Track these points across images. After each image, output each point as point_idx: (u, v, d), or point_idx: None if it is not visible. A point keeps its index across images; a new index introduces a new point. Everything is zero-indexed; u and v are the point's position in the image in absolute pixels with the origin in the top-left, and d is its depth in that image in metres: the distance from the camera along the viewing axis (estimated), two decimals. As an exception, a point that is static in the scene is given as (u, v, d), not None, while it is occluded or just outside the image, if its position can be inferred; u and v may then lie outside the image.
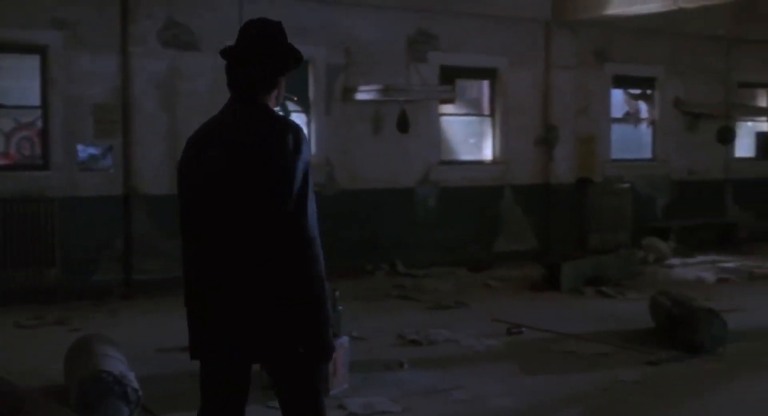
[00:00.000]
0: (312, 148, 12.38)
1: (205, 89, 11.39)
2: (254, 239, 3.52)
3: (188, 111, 11.33)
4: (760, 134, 17.17)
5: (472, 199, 13.63)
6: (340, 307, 6.80)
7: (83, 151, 10.91)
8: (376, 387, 6.76)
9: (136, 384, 5.73)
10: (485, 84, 14.01)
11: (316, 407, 3.66)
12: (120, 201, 11.07)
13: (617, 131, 15.34)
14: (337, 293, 6.78)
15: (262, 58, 3.69)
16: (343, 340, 6.75)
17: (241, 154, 3.53)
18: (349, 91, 12.38)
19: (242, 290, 3.54)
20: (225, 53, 3.79)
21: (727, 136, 15.56)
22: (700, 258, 14.24)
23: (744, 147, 16.80)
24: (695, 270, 13.08)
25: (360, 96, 12.35)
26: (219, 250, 3.57)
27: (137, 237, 11.10)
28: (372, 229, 12.74)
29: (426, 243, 13.13)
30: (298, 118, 12.41)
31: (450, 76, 13.35)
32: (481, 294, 11.11)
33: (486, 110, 14.09)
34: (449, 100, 13.40)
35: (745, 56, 16.26)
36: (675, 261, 13.81)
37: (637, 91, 15.62)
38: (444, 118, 13.63)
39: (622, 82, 15.28)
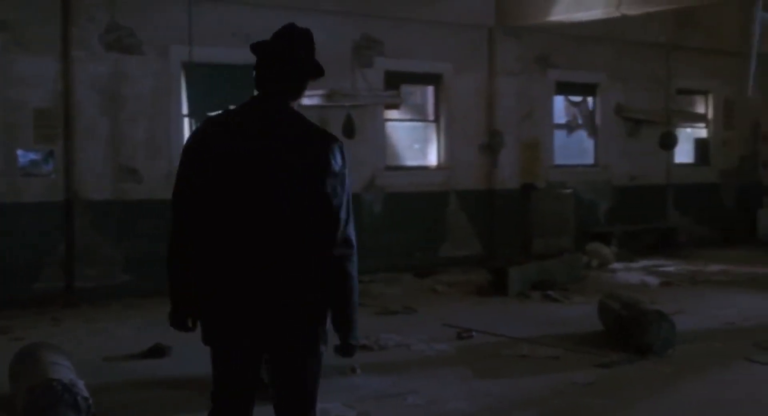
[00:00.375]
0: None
1: (149, 93, 11.27)
2: (304, 236, 3.64)
3: (132, 115, 11.20)
4: (698, 140, 17.45)
5: (418, 204, 13.63)
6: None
7: (24, 156, 10.66)
8: (329, 392, 6.63)
9: (86, 393, 5.59)
10: (430, 89, 14.03)
11: (313, 402, 3.86)
12: (62, 207, 10.85)
13: (560, 137, 15.47)
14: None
15: (302, 74, 3.82)
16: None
17: (297, 153, 3.65)
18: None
19: (282, 284, 3.64)
20: (258, 50, 3.84)
21: (669, 142, 15.78)
22: (642, 262, 14.43)
23: (683, 153, 17.06)
24: (638, 274, 13.23)
25: (306, 101, 12.26)
26: (258, 242, 3.63)
27: (79, 244, 10.89)
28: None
29: (372, 249, 13.03)
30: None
31: (395, 81, 13.35)
32: (428, 299, 11.09)
33: (431, 116, 14.10)
34: (395, 106, 13.40)
35: (684, 63, 16.54)
36: (618, 265, 13.96)
37: (579, 98, 15.75)
38: (389, 124, 13.62)
39: (564, 88, 15.41)
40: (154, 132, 11.36)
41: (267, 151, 3.65)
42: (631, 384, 7.00)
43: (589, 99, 15.83)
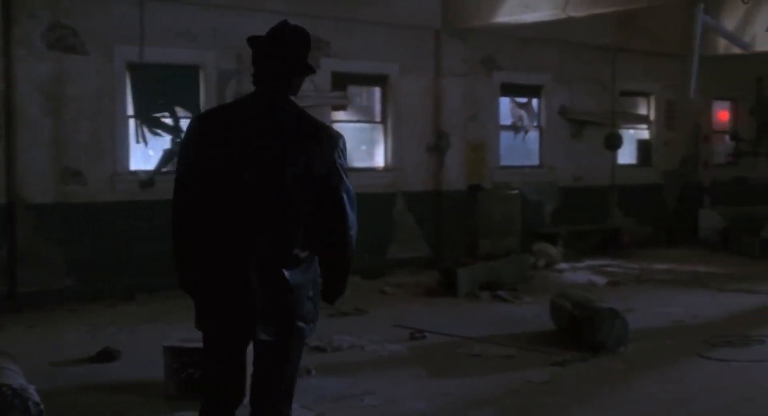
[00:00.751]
0: (203, 154, 12.12)
1: (93, 93, 11.06)
2: (301, 228, 3.83)
3: (75, 116, 10.98)
4: (641, 142, 17.64)
5: (365, 206, 13.27)
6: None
7: (-37, 158, 10.40)
8: (286, 394, 6.60)
9: (37, 398, 5.43)
10: (377, 91, 13.99)
11: (293, 382, 4.06)
12: (3, 210, 10.57)
13: (506, 138, 15.53)
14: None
15: (298, 71, 3.97)
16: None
17: (299, 143, 3.81)
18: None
19: (276, 278, 3.81)
20: (253, 45, 4.00)
21: (614, 142, 15.92)
22: (587, 262, 14.55)
23: (626, 154, 17.23)
24: (585, 274, 13.33)
25: (251, 102, 12.13)
26: (253, 229, 3.79)
27: (22, 248, 10.62)
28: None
29: (320, 251, 12.97)
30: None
31: (342, 82, 13.28)
32: (378, 301, 11.04)
33: (377, 117, 14.06)
34: (342, 107, 13.33)
35: (627, 65, 16.70)
36: (564, 265, 14.05)
37: (524, 99, 15.83)
38: (336, 125, 13.52)
39: (510, 89, 15.47)
40: (98, 133, 11.14)
41: (265, 146, 3.80)
42: (585, 382, 7.03)
43: (534, 100, 15.92)
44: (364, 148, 14.13)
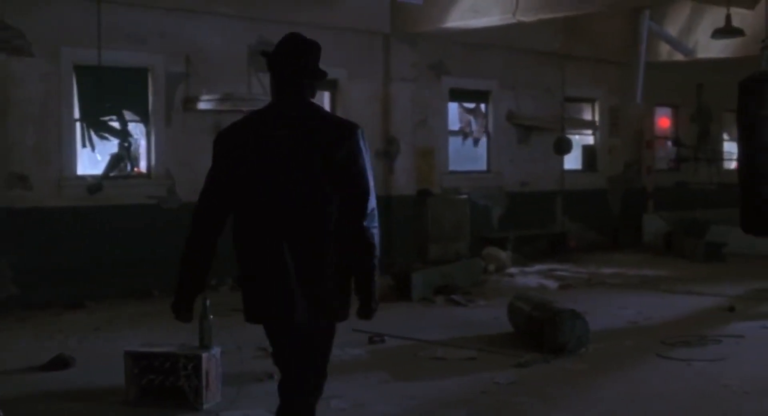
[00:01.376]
0: (152, 160, 11.95)
1: (39, 97, 10.82)
2: (326, 217, 4.00)
3: (21, 120, 10.72)
4: (585, 147, 17.80)
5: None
6: (211, 317, 6.50)
7: None
8: (251, 399, 6.50)
9: (-3, 405, 5.25)
10: (325, 95, 13.89)
11: (324, 375, 4.30)
12: (-54, 216, 10.29)
13: (454, 143, 15.55)
14: (208, 302, 6.48)
15: (311, 77, 4.20)
16: (215, 351, 6.45)
17: (324, 145, 3.99)
18: (190, 101, 11.99)
19: (308, 264, 4.02)
20: (269, 56, 4.20)
21: (564, 147, 16.04)
22: (536, 266, 14.61)
23: (572, 159, 17.36)
24: (535, 278, 13.38)
25: (202, 105, 11.98)
26: (284, 225, 4.02)
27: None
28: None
29: (270, 257, 12.84)
30: (136, 129, 11.95)
31: (291, 86, 13.15)
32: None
33: (327, 122, 13.95)
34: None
35: (573, 72, 16.85)
36: (514, 270, 14.09)
37: (472, 104, 15.87)
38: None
39: (458, 95, 15.50)
40: (44, 137, 10.89)
41: (287, 143, 4.00)
42: (551, 382, 7.01)
43: (482, 106, 15.97)
44: (313, 153, 14.00)
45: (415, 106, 14.57)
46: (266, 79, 13.51)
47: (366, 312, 4.14)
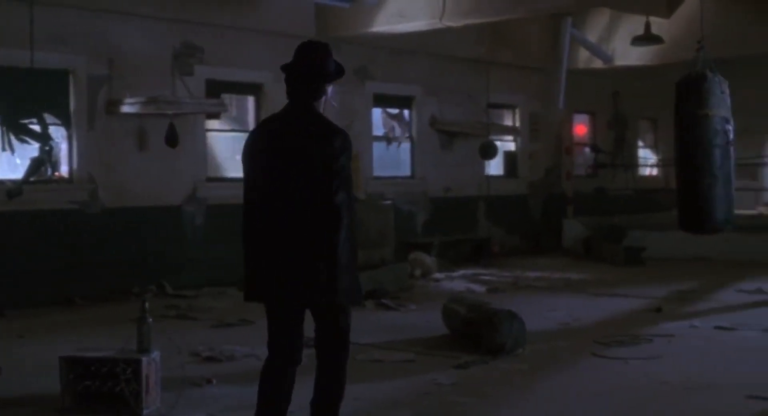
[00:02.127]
0: (74, 164, 11.66)
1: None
2: (313, 210, 4.54)
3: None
4: (507, 153, 17.95)
5: (240, 216, 13.23)
6: (150, 319, 6.32)
7: None
8: (192, 404, 6.33)
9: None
10: (251, 99, 13.74)
11: (343, 341, 4.89)
12: None
13: (378, 149, 15.54)
14: (147, 304, 6.30)
15: (313, 75, 4.69)
16: (155, 355, 6.27)
17: (312, 148, 4.58)
18: (113, 104, 11.73)
19: (296, 249, 4.57)
20: (285, 69, 4.76)
21: (490, 152, 16.15)
22: (461, 271, 14.66)
23: (493, 165, 17.49)
24: (461, 282, 13.42)
25: (125, 109, 11.73)
26: (285, 218, 4.60)
27: None
28: (138, 249, 12.10)
29: (195, 263, 12.64)
30: (58, 132, 11.63)
31: (216, 90, 12.99)
32: (261, 311, 10.65)
33: (251, 126, 13.80)
34: (216, 115, 13.01)
35: (494, 78, 16.98)
36: (439, 275, 14.10)
37: (396, 110, 15.88)
38: (210, 134, 13.23)
39: (382, 100, 15.49)
40: (-38, 140, 10.53)
41: (289, 145, 4.62)
42: (493, 383, 7.01)
43: (405, 111, 15.99)
44: (238, 158, 13.77)
45: (341, 110, 14.49)
46: (191, 81, 13.33)
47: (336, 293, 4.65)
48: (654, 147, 22.12)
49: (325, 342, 4.85)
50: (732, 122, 7.36)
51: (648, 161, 21.94)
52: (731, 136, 7.34)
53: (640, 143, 21.60)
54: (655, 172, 22.15)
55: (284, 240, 4.59)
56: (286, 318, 4.77)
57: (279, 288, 4.64)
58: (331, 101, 4.90)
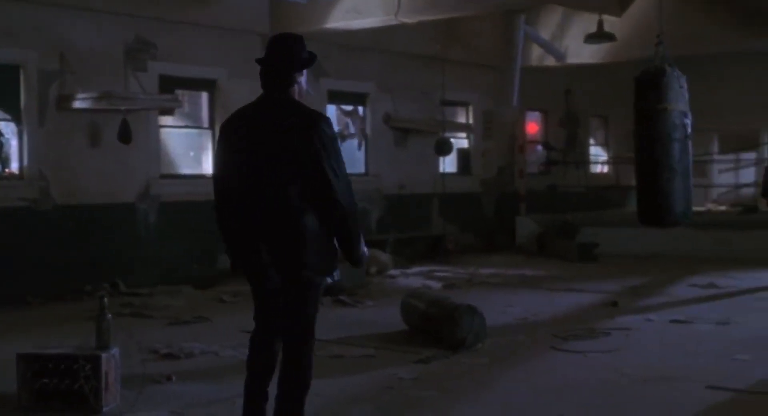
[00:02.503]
0: (24, 160, 11.47)
1: None
2: (295, 195, 4.67)
3: None
4: (460, 151, 17.98)
5: (194, 214, 13.12)
6: (109, 315, 6.23)
7: None
8: (153, 401, 6.25)
9: None
10: (204, 95, 13.62)
11: (309, 330, 4.95)
12: None
13: (333, 146, 15.46)
14: (106, 300, 6.20)
15: (281, 65, 4.85)
16: (115, 352, 6.17)
17: (291, 132, 4.70)
18: (65, 100, 11.55)
19: (282, 229, 4.72)
20: (258, 62, 4.91)
21: (444, 148, 16.17)
22: (416, 268, 14.68)
23: (448, 163, 17.50)
24: (417, 279, 13.43)
25: (77, 104, 11.56)
26: (264, 200, 4.73)
27: None
28: (91, 247, 11.94)
29: (148, 261, 12.51)
30: (7, 128, 11.44)
31: (169, 86, 12.85)
32: (218, 309, 10.70)
33: (205, 123, 13.69)
34: (170, 111, 12.85)
35: (448, 75, 16.98)
36: (395, 271, 14.10)
37: (350, 107, 15.85)
38: (163, 130, 13.09)
39: (336, 97, 15.44)
40: None
41: (264, 131, 4.76)
42: (456, 377, 7.01)
43: (360, 108, 15.96)
44: (192, 154, 13.72)
45: (295, 107, 14.42)
46: (143, 77, 13.18)
47: (353, 262, 4.91)
48: (605, 144, 22.33)
49: (290, 330, 4.93)
50: (690, 116, 7.46)
51: (599, 158, 22.13)
52: (689, 130, 7.44)
53: (592, 141, 21.78)
54: (606, 169, 22.36)
55: (263, 222, 4.75)
56: (267, 293, 4.91)
57: (259, 264, 4.81)
58: (308, 89, 5.06)
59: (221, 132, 4.99)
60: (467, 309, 8.05)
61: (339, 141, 4.91)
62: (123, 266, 12.17)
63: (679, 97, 7.33)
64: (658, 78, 7.38)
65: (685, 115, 7.37)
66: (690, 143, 7.43)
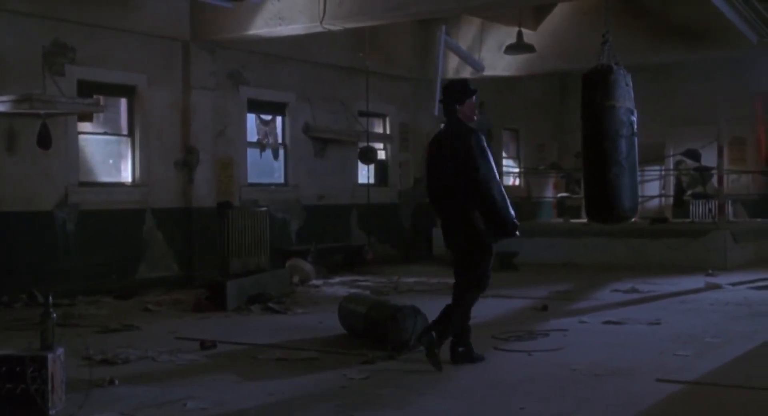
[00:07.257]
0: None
1: None
2: (462, 190, 7.17)
3: None
4: (378, 162, 17.95)
5: (113, 223, 12.85)
6: (54, 315, 5.99)
7: None
8: (100, 403, 6.02)
9: None
10: (123, 102, 13.31)
11: (477, 280, 7.56)
12: None
13: (252, 155, 15.32)
14: (51, 298, 5.97)
15: (446, 100, 7.40)
16: (60, 352, 5.92)
17: (455, 144, 7.23)
18: (-20, 103, 11.14)
19: (455, 212, 7.27)
20: (440, 101, 7.65)
21: (370, 156, 16.13)
22: (338, 278, 14.59)
23: (364, 174, 17.47)
24: (342, 288, 13.31)
25: (-6, 108, 11.16)
26: (445, 195, 7.30)
27: None
28: (7, 257, 11.53)
29: (67, 271, 12.14)
30: None
31: (88, 91, 12.51)
32: (145, 317, 10.41)
33: (124, 130, 13.38)
34: (89, 117, 12.49)
35: (366, 87, 16.98)
36: (317, 281, 13.98)
37: (270, 116, 15.69)
38: (82, 137, 12.73)
39: (256, 106, 15.28)
40: None
41: (443, 145, 7.33)
42: (407, 375, 6.96)
43: (278, 118, 15.83)
44: (111, 161, 13.37)
45: (215, 115, 14.25)
46: (62, 81, 12.82)
47: (505, 232, 7.26)
48: (516, 157, 22.61)
49: (461, 279, 7.51)
50: (636, 113, 7.58)
51: (511, 171, 22.38)
52: (635, 126, 7.55)
53: (504, 153, 22.02)
54: (518, 181, 22.62)
55: (446, 205, 7.30)
56: (456, 259, 7.58)
57: (446, 238, 7.50)
58: (472, 114, 7.39)
59: (431, 146, 7.54)
60: (410, 311, 8.01)
61: (488, 150, 7.11)
62: (40, 276, 11.76)
63: (626, 94, 7.44)
64: (606, 75, 7.49)
65: (631, 112, 7.49)
66: (636, 140, 7.55)
